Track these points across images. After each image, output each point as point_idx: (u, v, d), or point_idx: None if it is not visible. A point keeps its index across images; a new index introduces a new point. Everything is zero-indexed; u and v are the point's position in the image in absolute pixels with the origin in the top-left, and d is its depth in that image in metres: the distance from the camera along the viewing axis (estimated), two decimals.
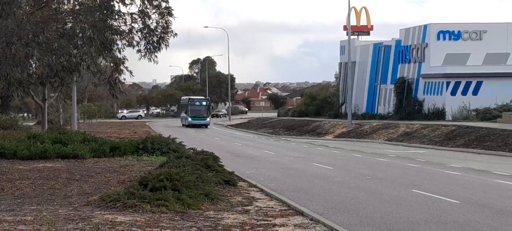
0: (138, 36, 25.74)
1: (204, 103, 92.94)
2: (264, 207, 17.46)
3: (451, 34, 69.47)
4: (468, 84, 66.21)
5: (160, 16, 25.03)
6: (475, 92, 65.47)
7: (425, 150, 43.00)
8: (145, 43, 25.54)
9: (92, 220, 14.78)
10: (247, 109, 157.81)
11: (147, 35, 25.42)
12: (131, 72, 35.04)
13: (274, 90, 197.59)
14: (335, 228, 14.39)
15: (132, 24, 25.30)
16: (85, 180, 22.61)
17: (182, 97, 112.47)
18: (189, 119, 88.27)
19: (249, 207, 17.37)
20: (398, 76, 74.29)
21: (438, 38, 69.06)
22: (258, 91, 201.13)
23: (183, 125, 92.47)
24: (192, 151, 30.29)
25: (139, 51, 26.61)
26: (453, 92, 66.17)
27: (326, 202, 18.85)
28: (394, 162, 34.35)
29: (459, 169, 29.37)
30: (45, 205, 17.09)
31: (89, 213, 15.80)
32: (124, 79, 28.51)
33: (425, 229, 14.91)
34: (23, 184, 21.49)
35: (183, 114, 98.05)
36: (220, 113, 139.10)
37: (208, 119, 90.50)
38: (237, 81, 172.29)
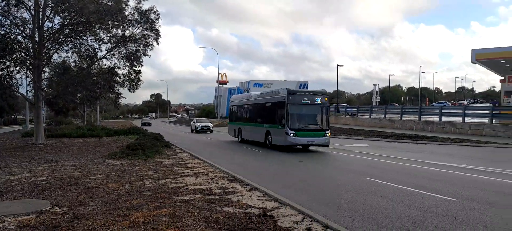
0: (127, 83, 24.58)
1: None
2: (182, 156, 17.21)
3: (259, 84, 71.57)
4: None
5: (135, 74, 24.13)
6: None
7: None
8: (128, 85, 24.44)
9: (104, 163, 14.17)
10: (175, 115, 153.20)
11: (130, 82, 24.38)
12: (125, 97, 33.93)
13: (188, 107, 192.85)
14: (214, 165, 14.32)
15: (123, 78, 24.20)
16: (101, 146, 21.49)
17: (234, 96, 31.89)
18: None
19: (175, 156, 17.07)
20: None
21: (254, 86, 70.60)
22: (180, 108, 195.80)
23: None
24: (150, 132, 29.46)
25: (128, 88, 25.39)
26: None
27: (209, 154, 18.62)
28: None
29: None
30: (84, 157, 16.13)
31: (103, 160, 15.11)
32: (121, 100, 27.25)
33: (275, 169, 15.27)
34: (73, 148, 20.15)
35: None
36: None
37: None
38: (171, 103, 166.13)
